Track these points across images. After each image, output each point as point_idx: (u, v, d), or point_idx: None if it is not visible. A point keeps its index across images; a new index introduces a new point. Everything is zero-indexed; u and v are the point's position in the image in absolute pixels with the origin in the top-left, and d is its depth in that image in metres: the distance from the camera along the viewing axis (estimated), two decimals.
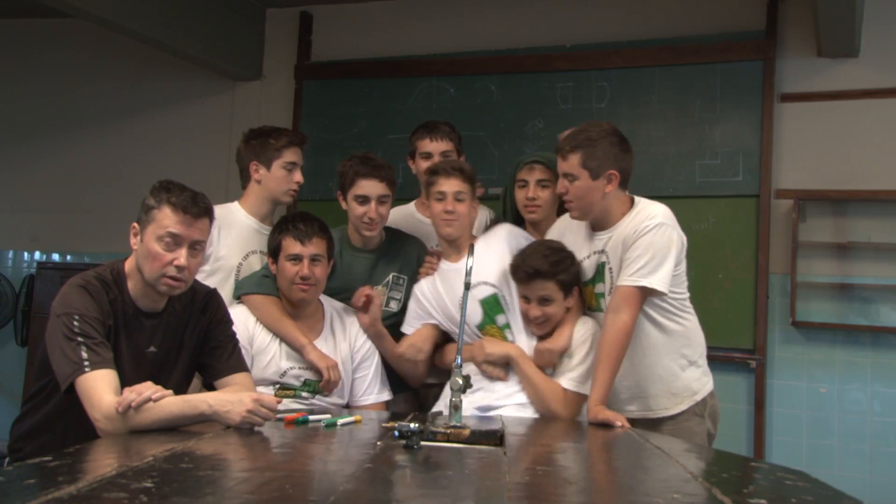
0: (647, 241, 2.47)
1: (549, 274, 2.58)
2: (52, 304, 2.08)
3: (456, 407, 2.13)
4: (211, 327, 2.33)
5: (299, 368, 2.68)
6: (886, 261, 4.05)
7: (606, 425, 2.35)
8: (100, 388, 1.93)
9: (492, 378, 2.65)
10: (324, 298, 2.85)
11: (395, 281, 2.97)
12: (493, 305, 2.73)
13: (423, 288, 2.87)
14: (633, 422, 2.48)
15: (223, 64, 5.02)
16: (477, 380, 2.57)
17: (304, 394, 2.68)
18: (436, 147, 3.16)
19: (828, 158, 4.17)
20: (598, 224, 2.64)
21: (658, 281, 2.46)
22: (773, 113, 4.20)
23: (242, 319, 2.65)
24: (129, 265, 2.21)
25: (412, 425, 1.83)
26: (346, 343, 2.79)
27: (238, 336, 2.43)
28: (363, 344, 2.81)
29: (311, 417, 2.16)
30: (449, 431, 2.01)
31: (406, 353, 2.81)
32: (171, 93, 5.40)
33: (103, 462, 1.59)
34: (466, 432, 2.02)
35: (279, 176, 2.96)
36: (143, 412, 1.89)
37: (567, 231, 2.77)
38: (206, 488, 1.35)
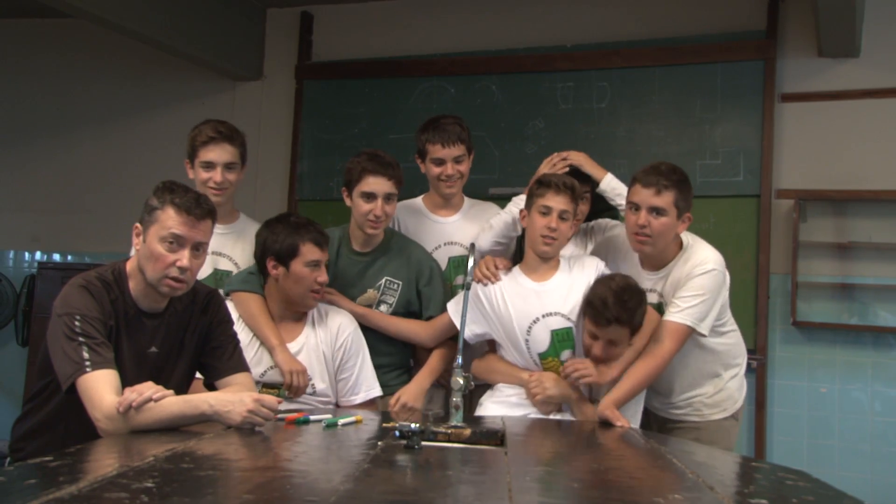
0: (700, 283, 2.58)
1: (626, 322, 2.52)
2: (54, 304, 2.08)
3: (456, 407, 2.13)
4: (212, 327, 2.33)
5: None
6: (887, 261, 4.05)
7: (609, 424, 2.40)
8: (101, 388, 1.93)
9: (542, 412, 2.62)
10: None
11: (388, 285, 2.95)
12: (563, 339, 2.64)
13: (491, 296, 2.70)
14: (679, 425, 2.76)
15: (224, 64, 5.02)
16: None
17: (288, 392, 2.67)
18: (448, 153, 3.08)
19: (828, 158, 4.17)
20: (653, 262, 2.70)
21: (705, 326, 2.60)
22: (774, 113, 4.20)
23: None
24: (130, 266, 2.21)
25: (413, 425, 1.83)
26: (328, 343, 2.74)
27: None
28: (345, 342, 2.75)
29: (312, 417, 2.16)
30: (450, 431, 2.01)
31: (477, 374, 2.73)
32: (172, 93, 5.40)
33: (104, 462, 1.59)
34: (467, 432, 2.02)
35: (199, 177, 2.94)
36: (143, 412, 1.89)
37: (617, 252, 2.82)
38: (207, 488, 1.35)
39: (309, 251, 2.63)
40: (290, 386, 2.62)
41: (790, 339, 4.15)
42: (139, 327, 2.17)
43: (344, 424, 2.11)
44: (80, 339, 1.99)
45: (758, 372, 4.09)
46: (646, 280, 2.69)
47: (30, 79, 5.67)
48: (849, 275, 4.10)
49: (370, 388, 2.79)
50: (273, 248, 2.68)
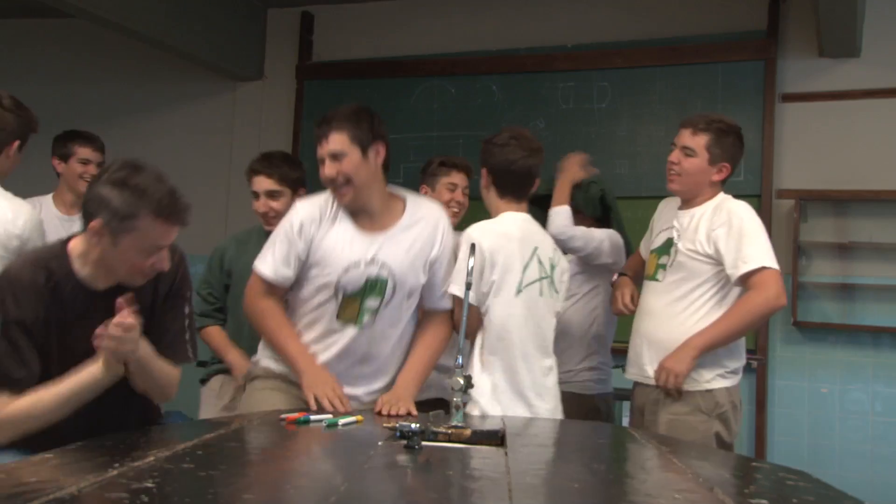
0: (749, 227, 2.58)
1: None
2: None
3: (457, 407, 2.13)
4: (166, 296, 2.04)
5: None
6: (888, 261, 4.05)
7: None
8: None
9: None
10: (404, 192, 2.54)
11: None
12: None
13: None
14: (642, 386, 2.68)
15: (224, 64, 5.02)
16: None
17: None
18: (459, 179, 3.04)
19: (829, 158, 4.17)
20: (684, 203, 2.74)
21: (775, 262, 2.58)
22: (775, 113, 4.20)
23: None
24: (77, 250, 1.95)
25: (413, 425, 1.82)
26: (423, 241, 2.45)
27: None
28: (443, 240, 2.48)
29: (313, 417, 2.15)
30: (450, 432, 2.01)
31: None
32: (173, 93, 5.40)
33: (104, 462, 1.59)
34: (467, 432, 2.02)
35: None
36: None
37: (663, 210, 2.87)
38: (207, 488, 1.35)
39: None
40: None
41: (791, 339, 4.15)
42: (92, 306, 1.93)
43: (344, 424, 2.11)
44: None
45: (758, 372, 4.09)
46: (678, 217, 2.71)
47: (30, 79, 5.66)
48: (849, 275, 4.10)
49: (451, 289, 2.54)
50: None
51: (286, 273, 2.39)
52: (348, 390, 2.37)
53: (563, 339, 2.87)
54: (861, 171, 4.10)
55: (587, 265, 3.02)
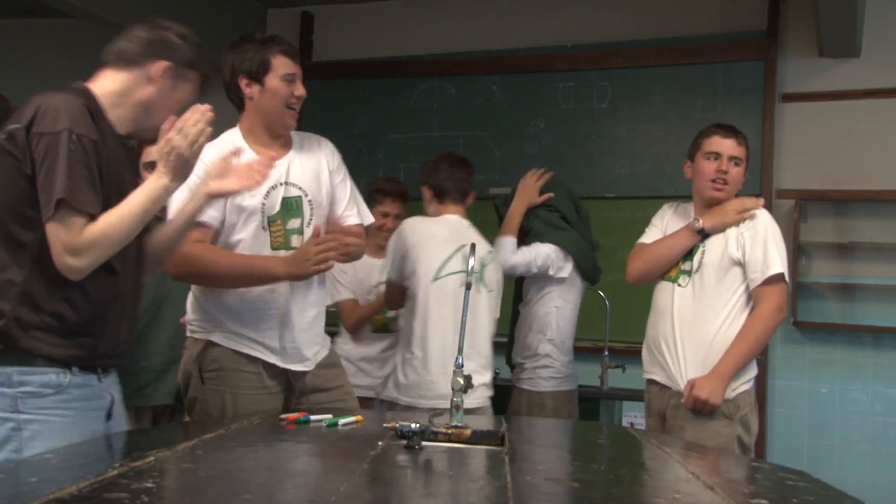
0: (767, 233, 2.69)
1: None
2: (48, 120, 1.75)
3: (457, 407, 2.13)
4: None
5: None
6: (888, 261, 4.05)
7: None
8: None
9: None
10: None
11: None
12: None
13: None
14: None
15: None
16: None
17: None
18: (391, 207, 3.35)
19: (829, 158, 4.17)
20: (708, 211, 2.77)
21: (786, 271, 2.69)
22: (775, 113, 4.20)
23: None
24: (111, 89, 1.90)
25: (413, 425, 1.82)
26: (319, 156, 2.50)
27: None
28: (336, 155, 2.57)
29: (313, 417, 2.16)
30: (450, 431, 2.01)
31: None
32: None
33: (105, 461, 1.59)
34: (467, 432, 2.02)
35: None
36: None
37: (674, 214, 2.90)
38: (207, 488, 1.35)
39: (282, 64, 2.38)
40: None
41: (791, 339, 4.15)
42: (115, 147, 1.90)
43: (344, 424, 2.11)
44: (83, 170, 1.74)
45: (758, 372, 4.08)
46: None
47: (30, 79, 5.66)
48: (849, 275, 4.10)
49: (364, 214, 2.59)
50: (243, 68, 2.38)
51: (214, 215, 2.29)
52: None
53: (518, 340, 3.28)
54: (861, 171, 4.10)
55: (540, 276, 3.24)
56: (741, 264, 2.65)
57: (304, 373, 2.39)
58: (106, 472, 1.35)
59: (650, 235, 2.88)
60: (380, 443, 1.83)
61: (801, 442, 4.12)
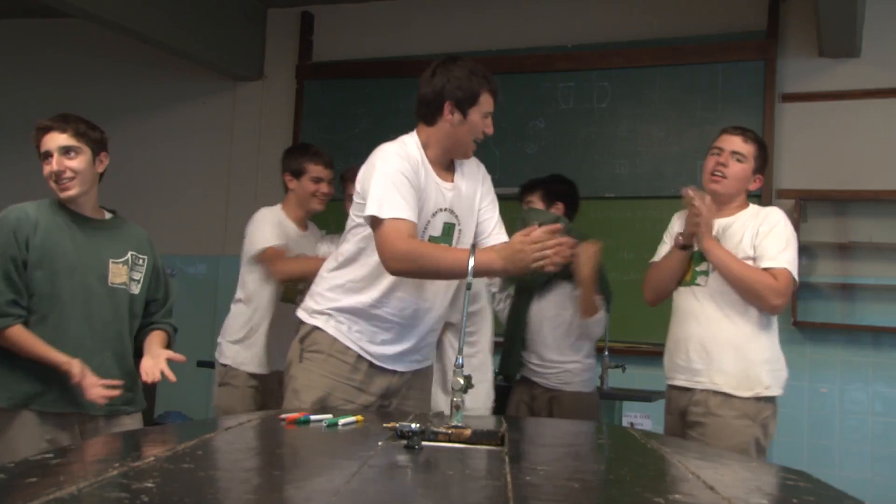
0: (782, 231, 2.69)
1: None
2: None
3: (457, 407, 2.13)
4: None
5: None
6: (888, 261, 4.05)
7: None
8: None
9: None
10: None
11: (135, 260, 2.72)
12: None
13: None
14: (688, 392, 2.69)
15: (224, 64, 5.02)
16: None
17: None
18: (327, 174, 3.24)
19: (829, 158, 4.17)
20: (718, 213, 2.78)
21: (796, 274, 2.70)
22: (775, 113, 4.21)
23: None
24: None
25: (413, 425, 1.83)
26: (474, 184, 2.61)
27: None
28: (487, 177, 2.68)
29: (313, 417, 2.16)
30: (450, 431, 2.01)
31: None
32: (172, 93, 5.40)
33: (105, 462, 1.59)
34: (468, 432, 2.02)
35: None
36: None
37: (680, 225, 2.89)
38: (207, 488, 1.35)
39: (486, 102, 2.52)
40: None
41: (791, 339, 4.15)
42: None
43: (344, 424, 2.11)
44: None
45: None
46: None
47: (30, 78, 5.67)
48: (849, 275, 4.10)
49: (502, 230, 2.67)
50: (454, 94, 2.52)
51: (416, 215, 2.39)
52: None
53: (563, 346, 3.26)
54: (861, 171, 4.10)
55: None
56: (753, 259, 2.66)
57: (396, 373, 2.49)
58: (106, 472, 1.35)
59: (661, 252, 2.90)
60: (380, 443, 1.83)
61: (801, 442, 4.12)
